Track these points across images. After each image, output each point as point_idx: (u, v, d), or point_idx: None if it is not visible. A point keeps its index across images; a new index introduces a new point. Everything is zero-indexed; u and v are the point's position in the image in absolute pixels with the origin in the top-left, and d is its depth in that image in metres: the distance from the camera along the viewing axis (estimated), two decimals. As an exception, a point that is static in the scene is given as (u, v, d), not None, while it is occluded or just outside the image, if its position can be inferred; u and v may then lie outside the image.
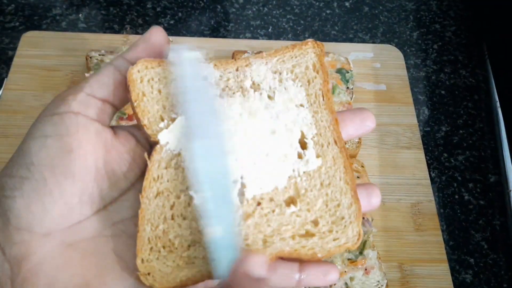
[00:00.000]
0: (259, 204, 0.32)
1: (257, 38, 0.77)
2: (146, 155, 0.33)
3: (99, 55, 0.66)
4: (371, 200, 0.34)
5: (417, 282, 0.56)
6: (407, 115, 0.69)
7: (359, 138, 0.63)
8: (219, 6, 0.80)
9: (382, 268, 0.55)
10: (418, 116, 0.70)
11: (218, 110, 0.34)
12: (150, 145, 0.34)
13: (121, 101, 0.34)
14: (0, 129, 0.62)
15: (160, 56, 0.35)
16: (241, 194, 0.32)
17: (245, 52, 0.69)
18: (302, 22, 0.80)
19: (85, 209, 0.32)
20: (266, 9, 0.81)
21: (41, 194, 0.30)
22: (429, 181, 0.63)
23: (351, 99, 0.66)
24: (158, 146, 0.33)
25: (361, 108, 0.37)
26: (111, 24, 0.76)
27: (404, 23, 0.82)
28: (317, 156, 0.34)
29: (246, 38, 0.77)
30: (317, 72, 0.36)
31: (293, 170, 0.33)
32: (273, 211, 0.32)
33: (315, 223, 0.32)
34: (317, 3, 0.82)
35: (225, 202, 0.31)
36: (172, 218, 0.32)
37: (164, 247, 0.31)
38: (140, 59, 0.34)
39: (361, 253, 0.54)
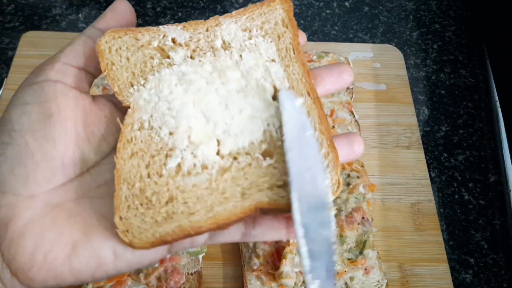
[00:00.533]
0: (235, 158, 0.33)
1: (257, 38, 0.77)
2: (118, 119, 0.34)
3: (99, 55, 0.66)
4: (353, 148, 0.35)
5: (417, 282, 0.56)
6: (407, 115, 0.69)
7: (359, 138, 0.63)
8: (219, 6, 0.80)
9: (382, 268, 0.55)
10: (418, 116, 0.70)
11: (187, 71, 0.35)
12: (124, 110, 0.35)
13: (97, 68, 0.35)
14: (0, 129, 0.62)
15: (127, 24, 0.37)
16: (217, 150, 0.33)
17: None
18: (302, 22, 0.80)
19: (68, 171, 0.33)
20: (266, 9, 0.81)
21: (24, 157, 0.31)
22: (429, 181, 0.63)
23: (351, 99, 0.66)
24: (129, 110, 0.34)
25: (338, 63, 0.39)
26: (111, 24, 0.76)
27: (404, 23, 0.82)
28: None
29: (246, 38, 0.77)
30: (286, 27, 0.37)
31: (268, 124, 0.34)
32: (250, 164, 0.33)
33: None
34: (317, 3, 0.82)
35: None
36: (148, 176, 0.33)
37: (141, 204, 0.32)
38: (110, 27, 0.36)
39: (361, 253, 0.54)
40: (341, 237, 0.55)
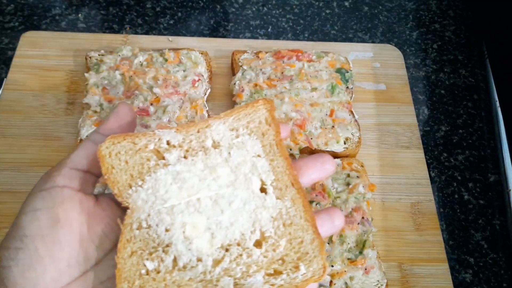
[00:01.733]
0: (227, 250, 0.35)
1: (256, 38, 0.77)
2: (119, 220, 0.36)
3: (99, 55, 0.66)
4: (334, 223, 0.38)
5: (417, 282, 0.56)
6: (406, 114, 0.69)
7: (359, 138, 0.63)
8: (218, 6, 0.80)
9: (382, 268, 0.55)
10: (417, 116, 0.70)
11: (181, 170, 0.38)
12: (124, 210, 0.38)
13: (100, 170, 0.38)
14: (0, 129, 0.62)
15: (129, 127, 0.40)
16: (210, 243, 0.35)
17: (244, 52, 0.69)
18: (301, 22, 0.80)
19: (74, 271, 0.35)
20: (265, 9, 0.81)
21: (34, 261, 0.34)
22: (428, 181, 0.63)
23: (351, 98, 0.66)
24: (128, 210, 0.36)
25: (320, 154, 0.41)
26: (110, 24, 0.76)
27: (404, 22, 0.82)
28: (277, 198, 0.37)
29: (245, 38, 0.77)
30: (269, 125, 0.40)
31: (257, 215, 0.36)
32: (241, 255, 0.35)
33: (282, 261, 0.35)
34: (317, 3, 0.82)
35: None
36: (147, 273, 0.35)
37: None
38: (113, 130, 0.39)
39: (361, 252, 0.54)
40: (341, 237, 0.55)
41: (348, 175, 0.60)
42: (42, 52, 0.69)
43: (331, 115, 0.64)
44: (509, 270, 0.60)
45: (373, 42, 0.78)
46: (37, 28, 0.74)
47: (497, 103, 0.72)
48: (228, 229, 0.36)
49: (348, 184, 0.58)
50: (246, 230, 0.36)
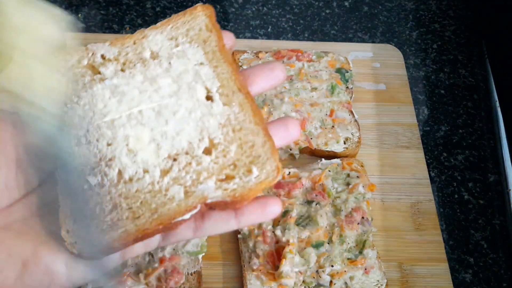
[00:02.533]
0: (175, 159, 0.34)
1: (256, 38, 0.77)
2: None
3: (99, 55, 0.66)
4: (288, 131, 0.37)
5: (417, 282, 0.56)
6: (406, 114, 0.69)
7: (359, 138, 0.63)
8: (218, 6, 0.80)
9: (382, 268, 0.55)
10: (417, 116, 0.70)
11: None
12: None
13: None
14: None
15: None
16: (156, 154, 0.34)
17: (244, 52, 0.69)
18: (301, 21, 0.80)
19: (13, 193, 0.34)
20: (265, 8, 0.81)
21: None
22: (428, 181, 0.63)
23: (351, 98, 0.66)
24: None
25: (270, 61, 0.40)
26: (110, 24, 0.76)
27: (404, 22, 0.82)
28: (224, 105, 0.36)
29: (245, 38, 0.77)
30: (211, 31, 0.39)
31: (204, 123, 0.35)
32: (190, 163, 0.34)
33: (234, 166, 0.34)
34: (317, 3, 0.82)
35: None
36: (90, 189, 0.33)
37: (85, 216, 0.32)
38: None
39: (360, 252, 0.54)
40: (340, 236, 0.55)
41: (348, 175, 0.60)
42: (42, 52, 0.69)
43: (331, 115, 0.64)
44: (509, 270, 0.60)
45: (373, 42, 0.78)
46: (37, 28, 0.74)
47: (497, 103, 0.72)
48: (175, 139, 0.35)
49: (348, 184, 0.59)
50: (193, 139, 0.35)
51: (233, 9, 0.80)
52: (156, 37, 0.39)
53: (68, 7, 0.77)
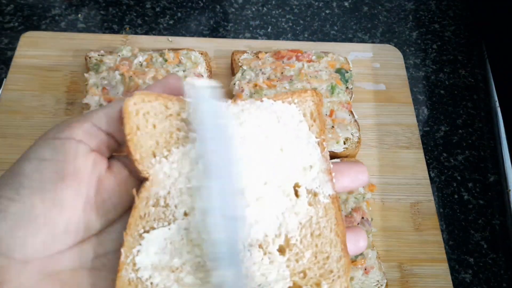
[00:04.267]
0: (248, 250, 0.31)
1: (256, 38, 0.77)
2: (134, 191, 0.32)
3: (99, 55, 0.66)
4: (358, 244, 0.35)
5: (417, 282, 0.56)
6: (406, 115, 0.69)
7: (359, 138, 0.63)
8: (218, 6, 0.80)
9: (382, 268, 0.55)
10: (417, 116, 0.70)
11: (235, 151, 0.33)
12: (140, 180, 0.33)
13: (124, 136, 0.33)
14: (0, 129, 0.62)
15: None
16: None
17: (244, 52, 0.69)
18: (301, 22, 0.80)
19: (70, 238, 0.31)
20: (265, 9, 0.81)
21: (26, 219, 0.29)
22: (428, 181, 0.63)
23: (351, 99, 0.66)
24: (147, 182, 0.32)
25: (357, 161, 0.38)
26: (110, 24, 0.76)
27: (404, 23, 0.82)
28: (309, 205, 0.33)
29: (245, 38, 0.77)
30: (314, 121, 0.36)
31: (284, 217, 0.33)
32: (262, 259, 0.31)
33: (304, 274, 0.32)
34: (317, 3, 0.82)
35: (234, 245, 0.30)
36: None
37: None
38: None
39: (360, 253, 0.54)
40: (340, 237, 0.55)
41: (348, 175, 0.60)
42: (42, 52, 0.69)
43: (330, 115, 0.64)
44: (509, 270, 0.60)
45: (372, 42, 0.78)
46: (36, 28, 0.74)
47: (497, 103, 0.72)
48: (252, 227, 0.32)
49: (348, 184, 0.58)
50: (270, 232, 0.32)
51: (233, 9, 0.80)
52: (259, 111, 0.35)
53: (68, 7, 0.77)
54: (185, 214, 0.31)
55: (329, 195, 0.34)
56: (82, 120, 0.32)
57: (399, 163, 0.65)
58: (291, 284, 0.31)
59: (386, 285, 0.54)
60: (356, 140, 0.63)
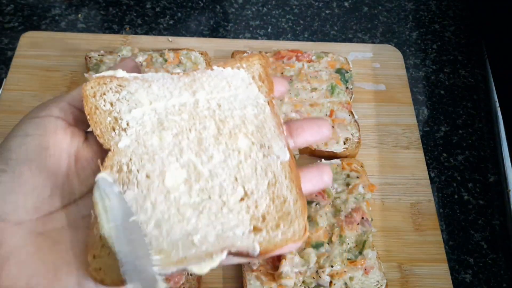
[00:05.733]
0: (206, 203, 0.35)
1: (256, 38, 0.77)
2: (99, 161, 0.35)
3: (99, 55, 0.66)
4: (323, 178, 0.38)
5: (417, 282, 0.56)
6: (406, 115, 0.69)
7: (359, 138, 0.63)
8: (218, 6, 0.80)
9: (382, 268, 0.55)
10: (417, 116, 0.70)
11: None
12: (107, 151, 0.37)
13: None
14: (0, 129, 0.62)
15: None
16: (189, 194, 0.35)
17: (244, 52, 0.69)
18: (301, 22, 0.80)
19: (56, 202, 0.35)
20: (265, 9, 0.81)
21: (16, 186, 0.33)
22: (428, 181, 0.63)
23: (351, 99, 0.66)
24: (110, 153, 0.36)
25: (318, 117, 0.41)
26: (110, 24, 0.76)
27: (404, 23, 0.82)
28: (264, 157, 0.37)
29: (245, 38, 0.77)
30: (263, 82, 0.40)
31: (239, 170, 0.36)
32: (221, 208, 0.34)
33: (263, 218, 0.34)
34: (317, 3, 0.82)
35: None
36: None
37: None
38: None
39: (360, 253, 0.54)
40: (340, 237, 0.55)
41: (348, 176, 0.60)
42: (42, 52, 0.69)
43: (330, 116, 0.64)
44: (508, 270, 0.60)
45: (372, 42, 0.78)
46: (37, 28, 0.74)
47: (497, 104, 0.72)
48: (208, 182, 0.35)
49: (347, 184, 0.59)
50: (227, 184, 0.35)
51: (233, 10, 0.80)
52: (211, 78, 0.40)
53: (68, 7, 0.77)
54: (147, 176, 0.35)
55: (281, 147, 0.37)
56: (58, 100, 0.37)
57: (399, 163, 0.65)
58: (251, 228, 0.34)
59: (386, 285, 0.54)
60: (356, 140, 0.63)
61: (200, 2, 0.80)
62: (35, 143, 0.34)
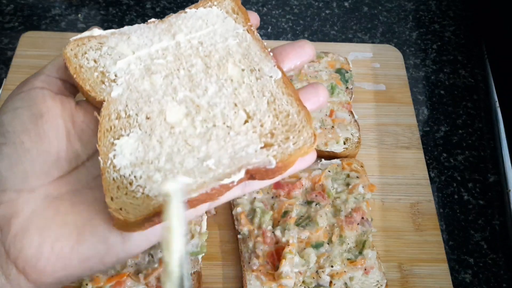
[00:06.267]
0: (212, 131, 0.36)
1: (256, 38, 0.77)
2: (95, 113, 0.36)
3: (98, 55, 0.66)
4: (319, 97, 0.39)
5: (417, 282, 0.56)
6: (406, 115, 0.69)
7: (359, 138, 0.63)
8: (218, 6, 0.80)
9: (382, 268, 0.55)
10: (417, 116, 0.70)
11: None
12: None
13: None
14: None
15: None
16: (193, 126, 0.36)
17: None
18: (301, 22, 0.80)
19: (63, 165, 0.35)
20: (265, 9, 0.81)
21: (20, 155, 0.33)
22: (428, 181, 0.63)
23: (351, 99, 0.66)
24: (104, 103, 0.36)
25: (299, 40, 0.43)
26: (110, 24, 0.76)
27: (404, 23, 0.82)
28: (257, 79, 0.38)
29: (245, 38, 0.76)
30: (237, 14, 0.42)
31: (236, 96, 0.37)
32: (228, 133, 0.35)
33: (271, 134, 0.36)
34: (316, 3, 0.82)
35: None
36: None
37: (130, 184, 0.33)
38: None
39: (360, 253, 0.54)
40: (340, 237, 0.55)
41: (348, 176, 0.60)
42: (42, 52, 0.69)
43: (330, 116, 0.64)
44: (508, 270, 0.60)
45: (372, 42, 0.78)
46: (36, 28, 0.74)
47: (497, 104, 0.72)
48: (209, 112, 0.36)
49: (347, 184, 0.59)
50: (228, 111, 0.36)
51: (233, 10, 0.80)
52: (187, 20, 0.41)
53: (68, 7, 0.77)
54: (147, 118, 0.36)
55: (271, 67, 0.38)
56: (37, 74, 0.37)
57: (399, 163, 0.65)
58: (262, 145, 0.35)
59: (386, 285, 0.54)
60: (356, 140, 0.63)
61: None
62: (28, 114, 0.34)
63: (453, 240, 0.61)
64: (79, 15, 0.76)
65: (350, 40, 0.78)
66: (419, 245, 0.58)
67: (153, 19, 0.41)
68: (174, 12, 0.43)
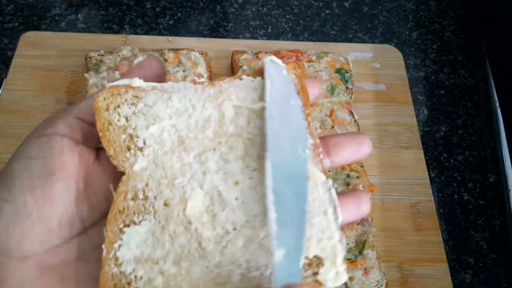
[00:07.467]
0: (231, 234, 0.31)
1: (256, 38, 0.77)
2: (111, 186, 0.31)
3: (98, 55, 0.66)
4: (360, 208, 0.34)
5: (417, 282, 0.56)
6: (406, 115, 0.69)
7: (359, 138, 0.63)
8: (218, 6, 0.80)
9: (382, 268, 0.55)
10: (417, 116, 0.70)
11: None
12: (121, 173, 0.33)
13: None
14: (0, 129, 0.62)
15: (156, 78, 0.35)
16: (212, 225, 0.31)
17: (244, 52, 0.69)
18: (301, 22, 0.80)
19: (64, 232, 0.31)
20: (265, 9, 0.81)
21: (20, 217, 0.30)
22: (428, 181, 0.63)
23: (351, 99, 0.66)
24: (124, 177, 0.32)
25: (357, 133, 0.37)
26: (110, 25, 0.76)
27: (404, 23, 0.82)
28: None
29: (245, 38, 0.77)
30: (298, 94, 0.34)
31: (263, 197, 0.32)
32: (249, 243, 0.30)
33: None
34: (317, 3, 0.82)
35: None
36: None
37: (129, 284, 0.29)
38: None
39: (360, 253, 0.54)
40: (340, 237, 0.55)
41: (348, 176, 0.60)
42: (42, 52, 0.69)
43: (330, 116, 0.64)
44: (508, 271, 0.60)
45: (373, 42, 0.78)
46: (37, 28, 0.74)
47: (497, 104, 0.72)
48: (235, 211, 0.31)
49: (348, 184, 0.59)
50: (256, 213, 0.31)
51: (233, 10, 0.80)
52: (238, 89, 0.34)
53: (68, 7, 0.77)
54: (165, 204, 0.31)
55: (317, 172, 0.32)
56: (65, 114, 0.33)
57: (399, 163, 0.65)
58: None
59: (386, 285, 0.54)
60: (356, 140, 0.63)
61: (200, 2, 0.80)
62: (40, 167, 0.31)
63: (453, 240, 0.61)
64: (79, 15, 0.76)
65: (350, 40, 0.78)
66: (419, 245, 0.58)
67: (202, 79, 0.35)
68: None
